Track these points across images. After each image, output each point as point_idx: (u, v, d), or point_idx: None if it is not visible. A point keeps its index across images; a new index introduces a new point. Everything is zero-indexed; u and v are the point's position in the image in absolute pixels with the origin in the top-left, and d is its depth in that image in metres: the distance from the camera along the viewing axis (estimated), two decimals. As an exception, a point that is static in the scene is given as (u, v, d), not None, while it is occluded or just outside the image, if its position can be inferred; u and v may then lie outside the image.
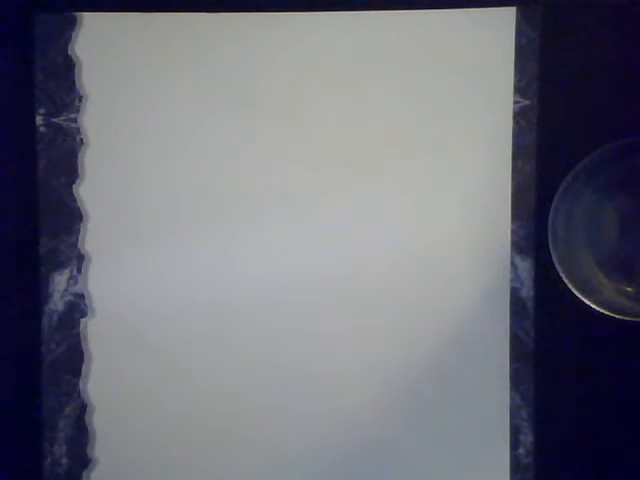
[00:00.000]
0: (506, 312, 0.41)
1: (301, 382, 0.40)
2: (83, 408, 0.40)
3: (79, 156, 0.40)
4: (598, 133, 0.40)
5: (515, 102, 0.40)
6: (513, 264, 0.41)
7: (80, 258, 0.40)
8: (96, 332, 0.41)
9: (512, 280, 0.41)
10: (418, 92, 0.40)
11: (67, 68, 0.40)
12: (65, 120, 0.40)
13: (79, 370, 0.40)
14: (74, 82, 0.40)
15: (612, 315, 0.38)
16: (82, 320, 0.41)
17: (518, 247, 0.41)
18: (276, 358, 0.40)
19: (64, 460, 0.41)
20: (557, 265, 0.38)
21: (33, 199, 0.40)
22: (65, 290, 0.41)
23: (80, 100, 0.40)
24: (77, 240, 0.40)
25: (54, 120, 0.40)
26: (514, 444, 0.41)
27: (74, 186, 0.40)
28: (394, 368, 0.40)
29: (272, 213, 0.40)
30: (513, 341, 0.41)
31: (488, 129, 0.40)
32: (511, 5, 0.40)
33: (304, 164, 0.40)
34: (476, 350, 0.41)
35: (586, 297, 0.38)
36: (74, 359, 0.41)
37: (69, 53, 0.40)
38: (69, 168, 0.40)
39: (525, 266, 0.41)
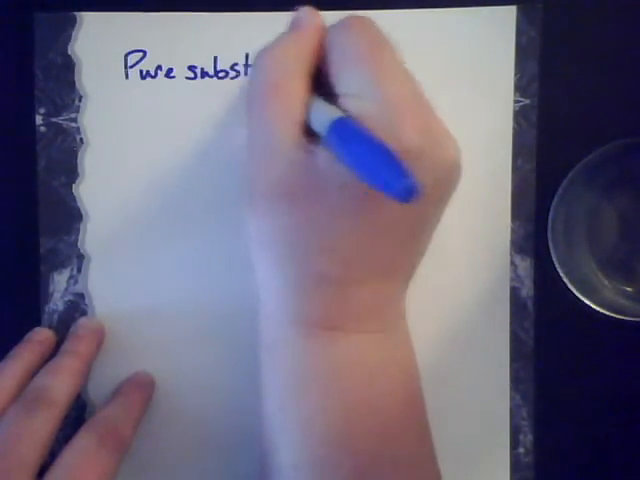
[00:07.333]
0: (506, 312, 0.41)
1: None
2: (83, 408, 0.40)
3: (79, 156, 0.40)
4: (598, 133, 0.40)
5: (515, 101, 0.40)
6: (513, 264, 0.41)
7: (80, 258, 0.41)
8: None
9: (512, 280, 0.41)
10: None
11: (67, 68, 0.40)
12: (65, 120, 0.40)
13: (79, 370, 0.40)
14: (74, 82, 0.40)
15: (612, 315, 0.38)
16: (82, 320, 0.41)
17: (518, 247, 0.40)
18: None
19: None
20: (557, 265, 0.38)
21: (33, 199, 0.40)
22: (65, 290, 0.41)
23: (80, 100, 0.40)
24: (77, 240, 0.41)
25: (54, 120, 0.40)
26: (514, 444, 0.41)
27: (74, 186, 0.40)
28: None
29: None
30: (513, 341, 0.41)
31: (488, 129, 0.40)
32: (511, 4, 0.40)
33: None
34: (476, 350, 0.41)
35: (586, 297, 0.38)
36: (74, 359, 0.41)
37: (69, 53, 0.40)
38: (69, 168, 0.40)
39: (525, 266, 0.40)
